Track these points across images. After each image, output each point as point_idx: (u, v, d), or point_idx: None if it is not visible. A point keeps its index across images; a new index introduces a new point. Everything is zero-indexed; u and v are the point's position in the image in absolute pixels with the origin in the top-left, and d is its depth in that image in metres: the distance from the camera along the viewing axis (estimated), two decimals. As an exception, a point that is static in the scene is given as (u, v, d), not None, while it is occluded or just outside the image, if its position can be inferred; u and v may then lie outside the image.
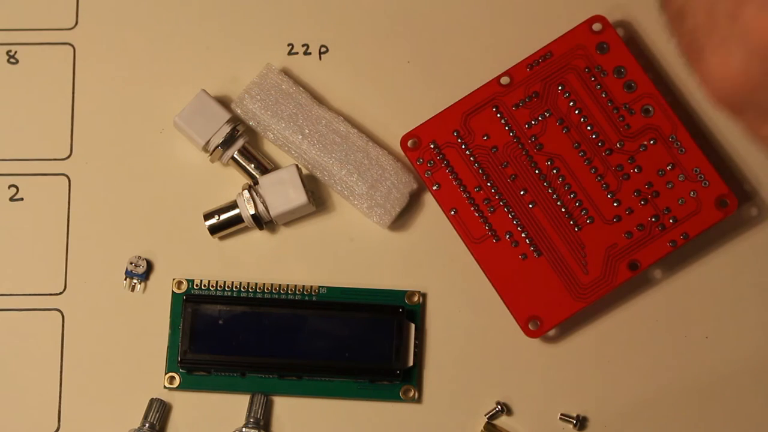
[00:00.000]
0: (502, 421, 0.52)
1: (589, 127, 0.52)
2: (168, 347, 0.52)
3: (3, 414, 0.52)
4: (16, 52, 0.55)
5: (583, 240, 0.52)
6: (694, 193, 0.52)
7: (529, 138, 0.52)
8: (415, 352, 0.52)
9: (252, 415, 0.52)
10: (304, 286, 0.52)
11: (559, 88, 0.53)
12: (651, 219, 0.52)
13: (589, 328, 0.53)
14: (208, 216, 0.52)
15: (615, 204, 0.52)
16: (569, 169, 0.52)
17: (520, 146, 0.52)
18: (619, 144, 0.52)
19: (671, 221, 0.52)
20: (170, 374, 0.52)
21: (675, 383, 0.52)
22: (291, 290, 0.52)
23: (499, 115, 0.52)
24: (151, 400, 0.52)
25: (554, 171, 0.52)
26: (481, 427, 0.52)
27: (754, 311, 0.53)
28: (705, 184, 0.52)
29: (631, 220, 0.52)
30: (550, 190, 0.52)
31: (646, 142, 0.52)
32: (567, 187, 0.52)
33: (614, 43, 0.53)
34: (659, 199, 0.52)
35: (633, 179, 0.52)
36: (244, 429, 0.52)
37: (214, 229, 0.52)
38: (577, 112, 0.52)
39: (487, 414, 0.52)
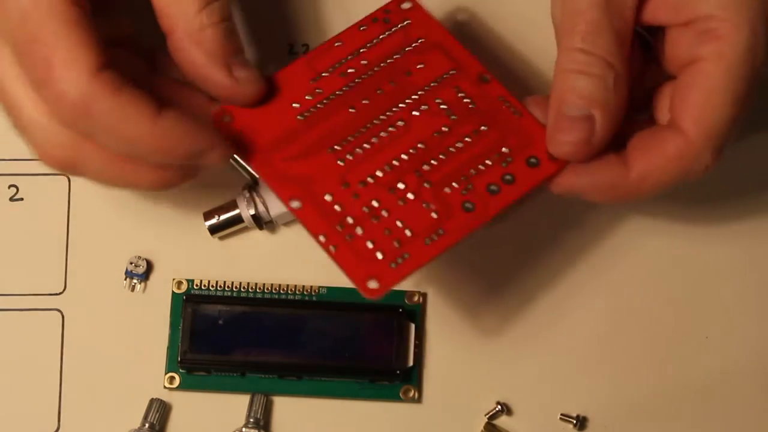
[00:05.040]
0: (502, 421, 0.52)
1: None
2: (168, 347, 0.52)
3: (3, 414, 0.52)
4: (16, 52, 0.55)
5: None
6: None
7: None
8: (415, 352, 0.52)
9: (252, 415, 0.52)
10: (304, 286, 0.52)
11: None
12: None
13: (589, 328, 0.53)
14: (208, 216, 0.52)
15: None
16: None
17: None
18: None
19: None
20: (170, 374, 0.52)
21: (675, 383, 0.52)
22: (291, 290, 0.52)
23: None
24: (151, 400, 0.52)
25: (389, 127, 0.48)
26: (481, 427, 0.52)
27: (754, 311, 0.53)
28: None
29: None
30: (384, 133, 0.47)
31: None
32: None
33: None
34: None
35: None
36: (244, 429, 0.52)
37: (214, 229, 0.52)
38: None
39: (487, 414, 0.52)
